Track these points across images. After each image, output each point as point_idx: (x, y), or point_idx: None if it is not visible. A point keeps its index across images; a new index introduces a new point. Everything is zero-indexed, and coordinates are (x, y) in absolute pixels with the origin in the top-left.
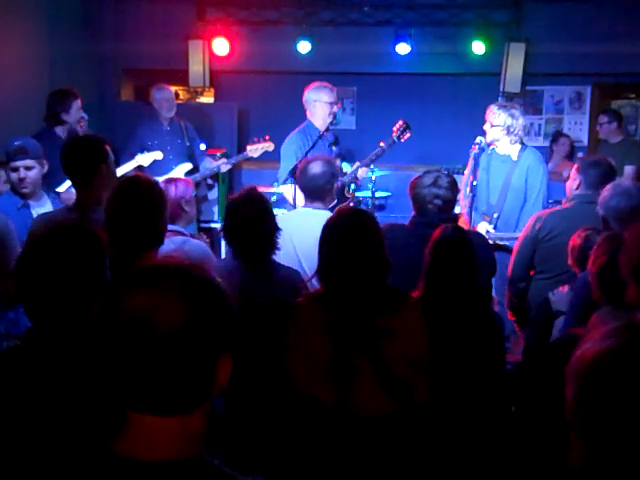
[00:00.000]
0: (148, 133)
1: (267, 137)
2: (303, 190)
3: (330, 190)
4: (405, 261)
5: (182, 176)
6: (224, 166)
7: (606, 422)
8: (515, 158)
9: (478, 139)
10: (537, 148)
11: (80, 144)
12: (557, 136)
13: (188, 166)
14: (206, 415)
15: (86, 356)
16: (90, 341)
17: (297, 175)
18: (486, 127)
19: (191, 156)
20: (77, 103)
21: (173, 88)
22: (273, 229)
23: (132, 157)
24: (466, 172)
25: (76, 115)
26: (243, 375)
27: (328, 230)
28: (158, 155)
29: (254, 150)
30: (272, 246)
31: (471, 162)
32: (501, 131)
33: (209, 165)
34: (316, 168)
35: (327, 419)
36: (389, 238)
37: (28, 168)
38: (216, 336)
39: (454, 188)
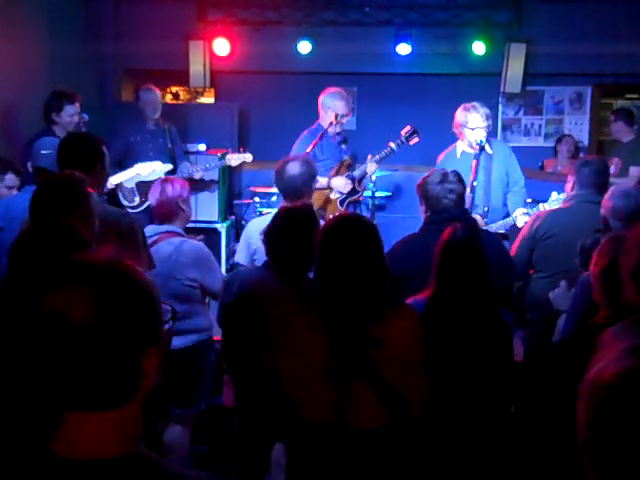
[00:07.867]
0: (132, 129)
1: (242, 149)
2: (281, 192)
3: (309, 191)
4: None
5: (162, 175)
6: (197, 174)
7: (623, 452)
8: (490, 151)
9: (478, 139)
10: (537, 148)
11: (78, 141)
12: (561, 137)
13: (168, 167)
14: (141, 410)
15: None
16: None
17: (275, 176)
18: (473, 134)
19: (172, 157)
20: (72, 107)
21: (174, 89)
22: (311, 244)
23: (116, 152)
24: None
25: (68, 119)
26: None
27: (326, 234)
28: (158, 165)
29: (233, 159)
30: (308, 262)
31: (442, 158)
32: (486, 130)
33: (185, 169)
34: (294, 169)
35: (322, 429)
36: (404, 251)
37: None
38: (136, 331)
39: (462, 181)
